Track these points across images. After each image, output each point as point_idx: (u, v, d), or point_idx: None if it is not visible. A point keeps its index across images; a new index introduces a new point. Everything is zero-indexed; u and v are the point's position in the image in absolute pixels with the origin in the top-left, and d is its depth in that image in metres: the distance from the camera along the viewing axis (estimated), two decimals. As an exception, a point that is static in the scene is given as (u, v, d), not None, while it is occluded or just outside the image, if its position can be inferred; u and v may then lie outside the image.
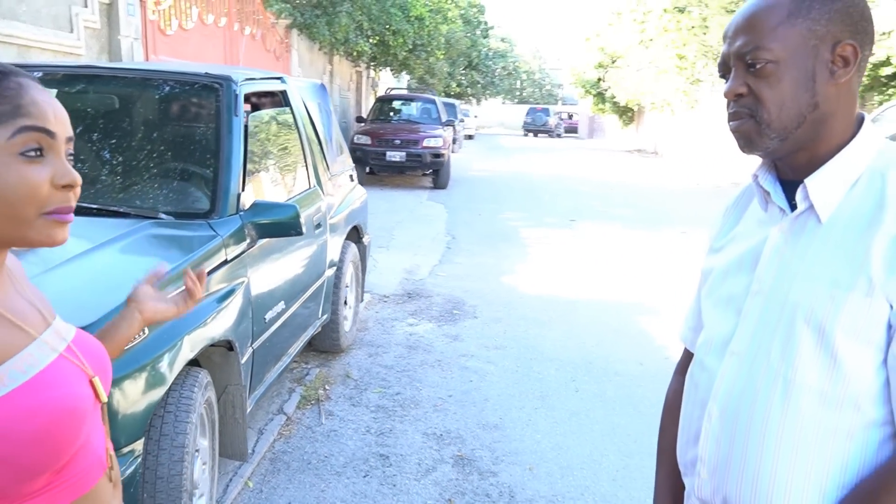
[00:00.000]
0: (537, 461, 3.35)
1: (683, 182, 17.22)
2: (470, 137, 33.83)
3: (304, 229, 2.96)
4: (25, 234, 0.89)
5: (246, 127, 3.15)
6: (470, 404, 3.95)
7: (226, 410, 2.78)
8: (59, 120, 0.91)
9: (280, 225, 2.91)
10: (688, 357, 1.38)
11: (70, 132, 0.94)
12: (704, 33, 20.65)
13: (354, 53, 15.42)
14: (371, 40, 15.19)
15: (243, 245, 2.82)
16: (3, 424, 0.84)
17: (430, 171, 13.89)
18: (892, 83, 11.13)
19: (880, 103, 11.51)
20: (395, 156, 13.32)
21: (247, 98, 3.38)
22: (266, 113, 3.66)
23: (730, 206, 1.28)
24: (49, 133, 0.89)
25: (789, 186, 1.13)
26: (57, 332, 0.97)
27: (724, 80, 1.14)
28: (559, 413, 3.87)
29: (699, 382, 1.17)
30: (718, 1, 20.01)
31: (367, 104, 22.96)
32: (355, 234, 4.83)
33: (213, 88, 3.12)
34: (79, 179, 0.92)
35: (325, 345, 4.43)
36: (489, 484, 3.15)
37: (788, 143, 1.09)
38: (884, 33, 10.58)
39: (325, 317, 4.19)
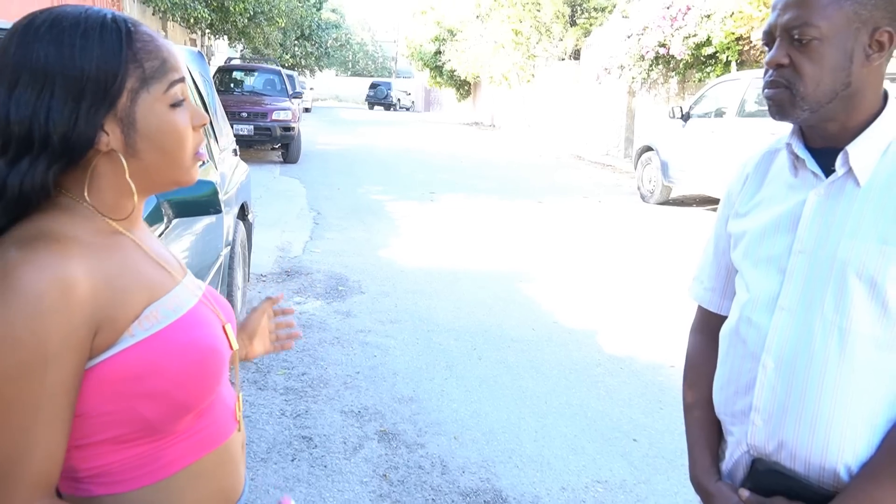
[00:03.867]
0: (460, 430, 3.41)
1: (526, 154, 17.92)
2: (307, 111, 32.96)
3: (222, 206, 2.79)
4: (179, 177, 0.96)
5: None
6: (380, 379, 3.93)
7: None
8: (183, 64, 0.97)
9: (198, 203, 2.72)
10: (704, 315, 1.47)
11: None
12: (538, 10, 21.48)
13: (191, 20, 14.48)
14: (210, 6, 14.33)
15: (161, 226, 2.61)
16: (160, 360, 0.89)
17: (279, 144, 13.45)
18: (710, 62, 12.20)
19: (699, 80, 12.61)
20: (243, 129, 12.75)
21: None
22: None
23: (749, 173, 1.37)
24: (184, 80, 0.94)
25: (817, 154, 1.23)
26: (192, 279, 1.04)
27: (766, 50, 1.21)
28: (469, 381, 3.95)
29: (747, 338, 1.25)
30: (550, -21, 20.88)
31: (201, 75, 21.73)
32: (241, 212, 4.60)
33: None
34: (208, 118, 1.00)
35: (219, 329, 4.20)
36: (419, 456, 3.17)
37: (818, 115, 1.19)
38: (706, 16, 11.56)
39: (221, 299, 3.98)
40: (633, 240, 7.81)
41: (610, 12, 18.93)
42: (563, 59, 21.17)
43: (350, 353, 4.27)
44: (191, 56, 4.19)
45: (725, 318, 1.37)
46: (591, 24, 20.15)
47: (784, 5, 1.17)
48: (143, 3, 12.75)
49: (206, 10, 14.06)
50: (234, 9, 14.68)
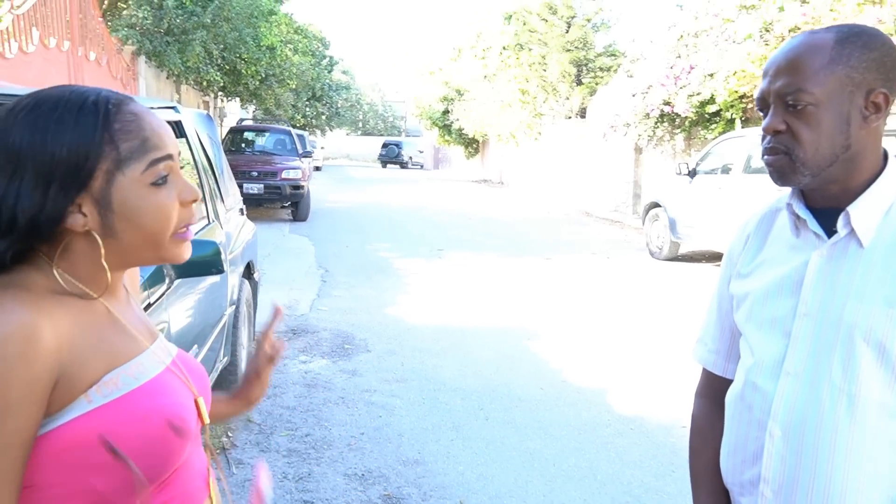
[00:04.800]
0: (466, 494, 3.32)
1: (534, 211, 18.00)
2: (318, 169, 33.46)
3: (225, 266, 2.78)
4: (161, 255, 0.95)
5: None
6: (385, 441, 3.86)
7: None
8: (172, 141, 0.95)
9: (200, 263, 2.71)
10: (709, 378, 1.43)
11: (178, 147, 0.98)
12: (544, 69, 21.90)
13: (204, 83, 14.83)
14: (222, 69, 14.68)
15: (163, 286, 2.61)
16: (117, 428, 0.86)
17: (289, 203, 13.57)
18: (715, 119, 12.32)
19: (705, 137, 12.71)
20: (253, 188, 12.90)
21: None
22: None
23: (751, 233, 1.35)
24: (171, 157, 0.94)
25: (819, 214, 1.22)
26: (163, 346, 1.02)
27: (761, 115, 1.21)
28: (475, 443, 3.87)
29: (753, 404, 1.21)
30: (556, 40, 21.35)
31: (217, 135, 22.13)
32: (247, 271, 4.60)
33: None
34: (199, 194, 0.98)
35: (223, 388, 4.15)
36: (423, 521, 3.08)
37: (819, 179, 1.18)
38: (710, 74, 11.73)
39: (225, 359, 3.95)
40: (642, 296, 7.76)
41: (615, 72, 19.27)
42: (569, 117, 21.47)
43: (355, 414, 4.20)
44: (199, 118, 4.26)
45: (731, 381, 1.34)
46: (596, 83, 20.50)
47: (776, 71, 1.18)
48: (157, 68, 13.08)
49: (218, 73, 14.41)
50: (246, 72, 15.05)
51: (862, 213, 1.15)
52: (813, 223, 1.21)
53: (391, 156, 45.81)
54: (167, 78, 14.13)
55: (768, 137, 1.19)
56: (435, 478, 3.46)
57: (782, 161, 1.18)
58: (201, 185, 3.67)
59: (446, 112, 32.66)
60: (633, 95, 14.34)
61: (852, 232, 1.16)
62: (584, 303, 7.35)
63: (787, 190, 1.31)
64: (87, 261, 0.91)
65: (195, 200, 0.96)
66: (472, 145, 34.24)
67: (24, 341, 0.81)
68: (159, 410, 0.91)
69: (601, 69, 21.15)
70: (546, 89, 22.15)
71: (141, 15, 11.49)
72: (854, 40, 1.13)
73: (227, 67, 14.72)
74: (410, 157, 46.50)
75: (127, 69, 11.85)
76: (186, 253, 0.97)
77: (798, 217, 1.23)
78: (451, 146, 37.24)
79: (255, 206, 13.84)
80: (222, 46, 13.58)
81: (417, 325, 6.20)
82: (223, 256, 2.77)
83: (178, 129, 3.59)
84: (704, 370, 1.44)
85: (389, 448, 3.77)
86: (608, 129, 15.94)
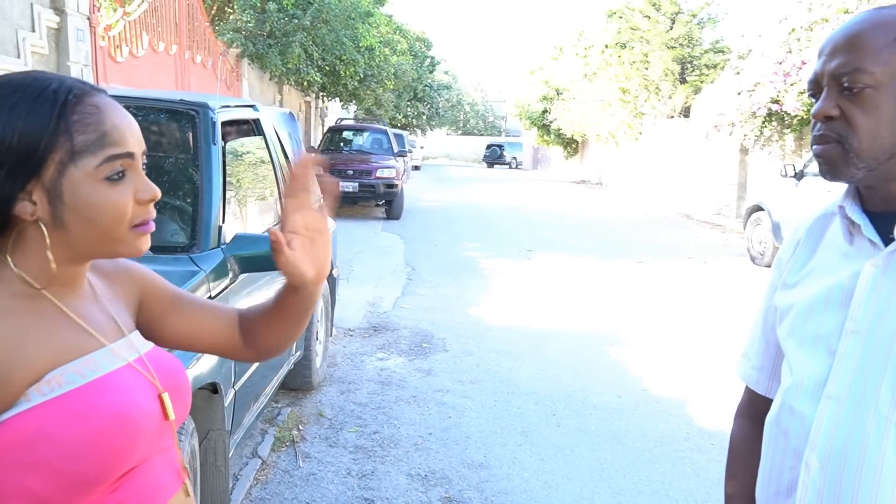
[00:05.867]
0: (528, 501, 3.24)
1: (632, 212, 17.52)
2: (416, 168, 33.93)
3: (288, 263, 2.81)
4: (115, 249, 0.93)
5: (223, 156, 3.00)
6: (452, 442, 3.82)
7: (207, 458, 2.58)
8: (135, 138, 0.93)
9: (265, 258, 2.76)
10: (751, 397, 1.30)
11: (144, 145, 0.95)
12: (646, 68, 21.26)
13: (305, 83, 15.28)
14: (322, 70, 15.09)
15: (226, 280, 2.66)
16: (52, 427, 0.83)
17: (383, 201, 13.78)
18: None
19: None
20: (348, 186, 13.18)
21: (221, 126, 3.23)
22: (241, 142, 3.51)
23: (801, 239, 1.21)
24: (130, 156, 0.92)
25: (877, 218, 1.07)
26: (130, 343, 0.99)
27: (812, 100, 1.08)
28: (544, 449, 3.77)
29: (789, 430, 1.09)
30: (659, 37, 20.69)
31: (317, 134, 22.81)
32: (325, 267, 4.67)
33: (189, 116, 2.97)
34: (158, 193, 0.94)
35: (296, 382, 4.24)
36: (482, 527, 3.02)
37: (876, 174, 1.03)
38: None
39: (297, 353, 4.02)
40: (737, 304, 7.37)
41: (722, 69, 18.47)
42: (671, 117, 20.76)
43: (425, 413, 4.19)
44: (280, 117, 4.36)
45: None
46: (701, 81, 19.72)
47: (832, 50, 1.04)
48: (260, 70, 13.58)
49: (318, 74, 14.81)
50: (345, 73, 15.39)
51: (924, 218, 1.01)
52: (868, 228, 1.06)
53: (494, 157, 46.94)
54: (269, 79, 14.66)
55: (818, 125, 1.06)
56: (498, 483, 3.39)
57: (833, 151, 1.04)
58: (277, 182, 3.74)
59: (545, 112, 32.34)
60: (739, 93, 13.68)
61: (912, 240, 1.01)
62: (674, 309, 7.06)
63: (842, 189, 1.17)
64: (38, 253, 0.90)
65: (153, 199, 0.94)
66: (570, 145, 33.74)
67: None
68: (104, 408, 0.88)
69: (707, 66, 20.33)
70: (648, 88, 21.51)
71: (245, 19, 11.95)
72: None
73: (327, 68, 15.11)
74: (514, 157, 47.10)
75: (231, 71, 12.38)
76: (144, 246, 0.95)
77: (852, 222, 1.09)
78: (550, 146, 36.84)
79: (350, 204, 14.16)
80: (321, 48, 13.94)
81: (497, 326, 6.13)
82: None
83: (256, 127, 3.68)
84: (747, 388, 1.31)
85: (455, 450, 3.73)
86: (711, 128, 15.29)
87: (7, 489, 0.83)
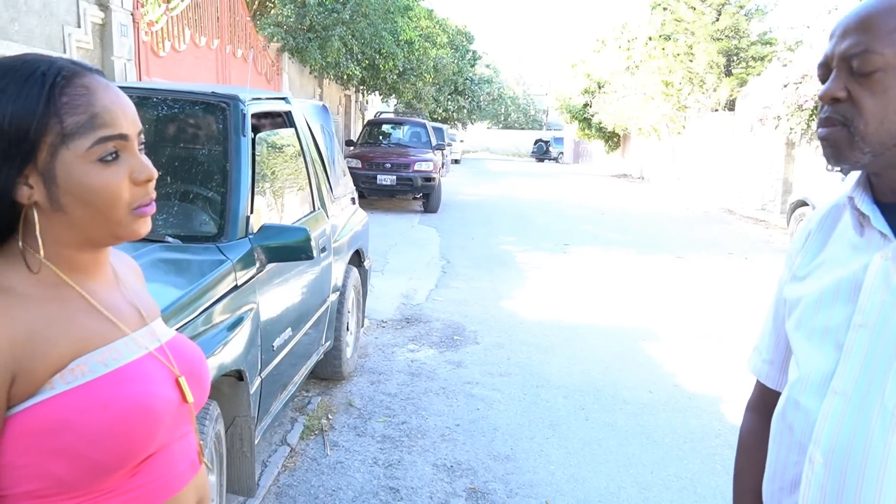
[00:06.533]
0: (553, 494, 3.23)
1: (673, 207, 17.26)
2: (456, 162, 33.93)
3: (314, 253, 2.85)
4: (115, 232, 0.93)
5: (253, 147, 3.04)
6: (479, 434, 3.83)
7: (233, 443, 2.64)
8: (129, 119, 0.93)
9: (290, 249, 2.80)
10: (762, 391, 1.28)
11: (139, 125, 0.95)
12: (691, 60, 20.88)
13: (344, 77, 15.38)
14: (361, 64, 15.17)
15: (253, 270, 2.71)
16: (75, 416, 0.85)
17: (420, 194, 13.82)
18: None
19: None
20: (386, 179, 13.25)
21: (252, 118, 3.28)
22: (271, 133, 3.56)
23: (812, 230, 1.19)
24: (123, 137, 0.92)
25: (888, 209, 1.04)
26: (152, 332, 1.01)
27: (821, 84, 1.05)
28: (571, 443, 3.75)
29: (794, 424, 1.07)
30: (704, 29, 20.29)
31: (357, 128, 22.96)
32: (356, 258, 4.72)
33: (220, 108, 3.02)
34: (154, 173, 0.95)
35: (326, 372, 4.29)
36: (505, 519, 3.02)
37: (882, 160, 1.00)
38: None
39: (328, 343, 4.06)
40: (778, 300, 7.21)
41: (769, 61, 18.05)
42: (716, 110, 20.37)
43: (453, 405, 4.20)
44: (313, 109, 4.40)
45: (784, 396, 1.19)
46: (748, 74, 19.29)
47: (843, 31, 1.02)
48: (300, 64, 13.72)
49: (357, 67, 14.89)
50: (384, 66, 15.45)
51: (935, 208, 0.98)
52: (878, 220, 1.03)
53: (540, 152, 48.14)
54: (310, 73, 14.80)
55: (826, 107, 1.03)
56: (524, 475, 3.39)
57: (839, 134, 1.01)
58: (307, 174, 3.79)
59: (586, 105, 32.01)
60: (786, 86, 13.36)
61: (923, 231, 0.98)
62: (712, 305, 6.95)
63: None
64: (49, 239, 0.91)
65: (149, 180, 0.94)
66: (612, 139, 33.35)
67: None
68: (127, 398, 0.90)
69: (754, 58, 19.87)
70: (692, 81, 21.13)
71: (285, 13, 12.08)
72: None
73: (366, 62, 15.18)
74: (561, 153, 47.66)
75: (272, 65, 12.52)
76: (143, 229, 0.95)
77: (862, 213, 1.06)
78: (591, 140, 36.45)
79: (388, 196, 14.22)
80: (361, 42, 14.01)
81: (530, 320, 6.11)
82: (313, 244, 2.84)
83: (287, 119, 3.72)
84: (757, 382, 1.29)
85: (482, 441, 3.73)
86: (756, 121, 14.96)
87: (31, 472, 0.86)
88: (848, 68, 1.00)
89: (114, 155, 0.91)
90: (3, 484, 0.87)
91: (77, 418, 0.86)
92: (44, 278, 0.91)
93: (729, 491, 3.28)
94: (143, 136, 0.97)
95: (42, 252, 0.91)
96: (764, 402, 1.26)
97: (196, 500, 1.04)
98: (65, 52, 6.18)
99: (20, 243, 0.91)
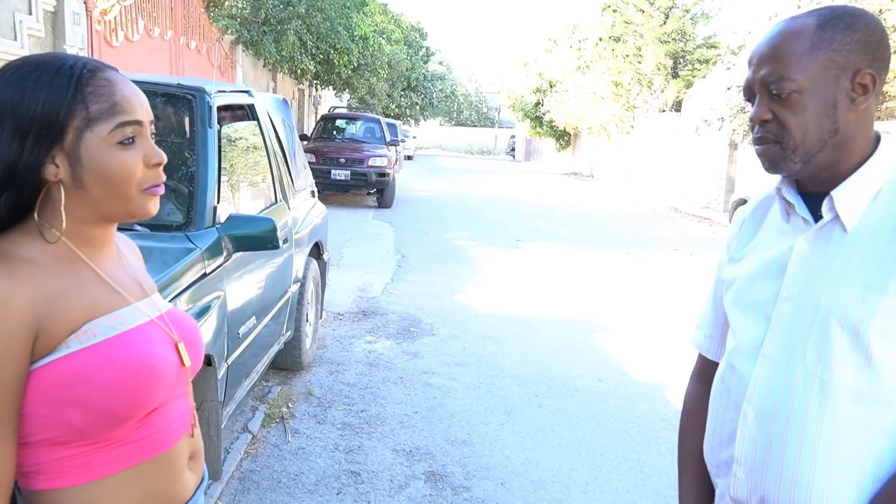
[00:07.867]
0: (508, 476, 3.38)
1: (621, 205, 17.67)
2: (409, 158, 33.96)
3: (280, 243, 2.93)
4: (128, 209, 1.05)
5: (218, 139, 3.10)
6: (436, 420, 3.95)
7: (200, 427, 2.69)
8: (144, 108, 1.06)
9: (257, 238, 2.87)
10: (703, 363, 1.44)
11: (151, 115, 1.08)
12: (639, 62, 21.38)
13: (298, 71, 15.31)
14: (316, 59, 15.13)
15: (220, 258, 2.78)
16: (88, 371, 0.97)
17: (374, 190, 13.86)
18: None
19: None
20: (340, 174, 13.26)
21: (217, 111, 3.33)
22: (235, 126, 3.61)
23: (746, 218, 1.34)
24: (139, 123, 1.04)
25: (810, 199, 1.20)
26: (153, 303, 1.13)
27: (749, 104, 1.21)
28: (525, 428, 3.91)
29: (731, 386, 1.22)
30: (652, 32, 20.79)
31: (310, 122, 22.82)
32: (316, 251, 4.79)
33: (186, 100, 3.07)
34: (164, 157, 1.06)
35: (286, 362, 4.36)
36: (463, 499, 3.15)
37: (811, 165, 1.16)
38: None
39: (288, 333, 4.13)
40: (720, 295, 7.52)
41: (714, 64, 18.60)
42: (663, 111, 20.91)
43: (411, 394, 4.31)
44: (274, 103, 4.45)
45: (723, 365, 1.34)
46: (693, 76, 19.85)
47: (759, 60, 1.17)
48: (255, 57, 13.61)
49: (311, 62, 14.84)
50: (338, 61, 15.42)
51: (846, 197, 1.14)
52: (801, 208, 1.20)
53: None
54: (263, 66, 14.69)
55: (757, 127, 1.19)
56: (480, 458, 3.53)
57: (773, 150, 1.17)
58: (270, 167, 3.85)
59: (538, 104, 32.41)
60: (729, 88, 13.84)
61: (837, 217, 1.14)
62: (658, 299, 7.21)
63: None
64: (68, 215, 1.02)
65: (160, 163, 1.06)
66: (563, 138, 33.85)
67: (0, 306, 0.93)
68: (132, 357, 1.01)
69: (699, 61, 20.46)
70: (640, 82, 21.64)
71: (240, 6, 11.98)
72: (836, 23, 1.11)
73: (321, 57, 15.15)
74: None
75: (225, 57, 12.41)
76: (154, 208, 1.07)
77: (788, 202, 1.22)
78: (542, 138, 36.93)
79: (342, 191, 14.23)
80: (316, 36, 13.98)
81: (484, 313, 6.26)
82: (278, 234, 2.92)
83: (250, 112, 3.78)
84: (700, 355, 1.44)
85: (440, 428, 3.86)
86: (701, 123, 15.45)
87: (50, 421, 0.98)
88: (769, 93, 1.15)
89: (131, 140, 1.03)
90: (26, 431, 0.98)
91: (90, 373, 0.97)
92: (58, 251, 1.02)
93: (673, 471, 3.48)
94: (153, 125, 1.08)
95: (64, 226, 1.02)
96: (705, 372, 1.41)
97: (189, 453, 1.15)
98: (15, 39, 6.07)
99: (36, 218, 1.01)
